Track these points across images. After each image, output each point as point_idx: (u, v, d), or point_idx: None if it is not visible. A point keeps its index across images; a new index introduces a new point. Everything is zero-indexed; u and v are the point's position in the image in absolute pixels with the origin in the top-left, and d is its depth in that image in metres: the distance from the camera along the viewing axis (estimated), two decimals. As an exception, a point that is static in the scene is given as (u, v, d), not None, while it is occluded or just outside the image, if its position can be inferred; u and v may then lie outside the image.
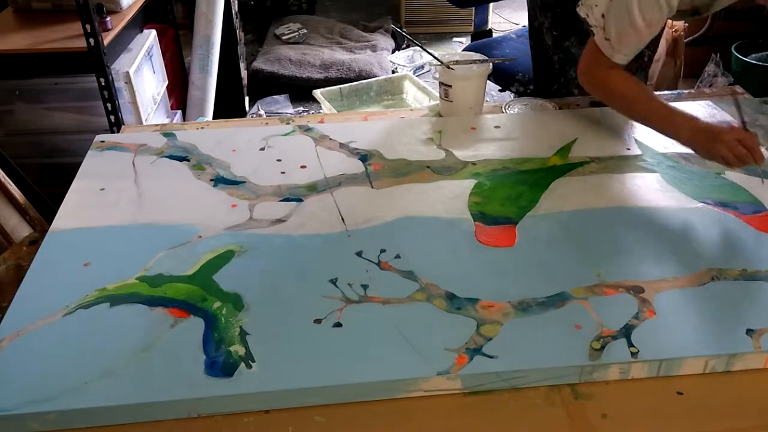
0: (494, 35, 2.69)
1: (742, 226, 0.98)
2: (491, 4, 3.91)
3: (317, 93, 2.60)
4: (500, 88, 2.21)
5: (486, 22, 3.67)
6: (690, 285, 0.86)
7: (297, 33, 3.54)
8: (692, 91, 1.47)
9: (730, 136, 1.00)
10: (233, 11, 2.74)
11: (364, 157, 1.16)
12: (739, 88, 1.45)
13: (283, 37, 3.52)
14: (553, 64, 1.49)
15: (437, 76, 1.32)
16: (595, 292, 0.85)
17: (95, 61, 1.83)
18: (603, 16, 1.08)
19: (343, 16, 4.06)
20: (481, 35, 3.05)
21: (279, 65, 3.21)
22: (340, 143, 1.21)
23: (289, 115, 2.93)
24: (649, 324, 0.80)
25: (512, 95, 2.05)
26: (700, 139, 1.04)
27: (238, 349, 0.77)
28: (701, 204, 1.02)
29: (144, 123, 2.06)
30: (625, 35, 1.08)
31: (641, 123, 1.15)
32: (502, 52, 2.03)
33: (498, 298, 0.84)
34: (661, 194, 1.05)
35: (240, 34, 2.86)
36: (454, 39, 3.87)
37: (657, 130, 1.12)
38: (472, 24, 3.91)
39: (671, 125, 1.08)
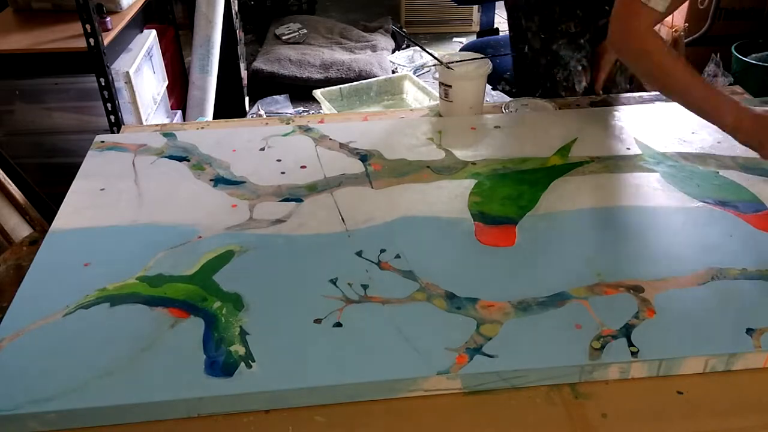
0: (501, 34, 2.69)
1: (742, 225, 0.98)
2: (497, 3, 3.90)
3: (317, 93, 2.60)
4: (490, 86, 2.21)
5: (493, 21, 3.68)
6: (690, 284, 0.86)
7: (297, 33, 3.55)
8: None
9: None
10: (233, 11, 2.74)
11: (364, 157, 1.16)
12: (738, 88, 1.45)
13: (283, 37, 3.52)
14: (538, 68, 1.48)
15: (437, 76, 1.32)
16: (595, 291, 0.85)
17: (95, 61, 1.83)
18: None
19: (343, 16, 4.06)
20: (488, 34, 3.05)
21: (279, 65, 3.21)
22: (340, 143, 1.21)
23: (289, 115, 2.93)
24: (649, 323, 0.80)
25: (498, 93, 2.05)
26: (752, 127, 0.98)
27: (238, 348, 0.77)
28: (701, 203, 1.02)
29: (144, 123, 2.06)
30: None
31: (676, 100, 1.06)
32: (497, 52, 2.04)
33: (498, 298, 0.84)
34: (661, 194, 1.05)
35: (240, 34, 2.87)
36: (454, 39, 3.87)
37: (695, 112, 1.04)
38: (472, 24, 3.92)
39: (714, 108, 1.01)
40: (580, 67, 1.44)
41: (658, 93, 1.44)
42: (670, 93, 1.07)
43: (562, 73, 1.42)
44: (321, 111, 2.62)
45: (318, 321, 0.81)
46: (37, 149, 2.09)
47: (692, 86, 1.03)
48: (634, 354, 0.76)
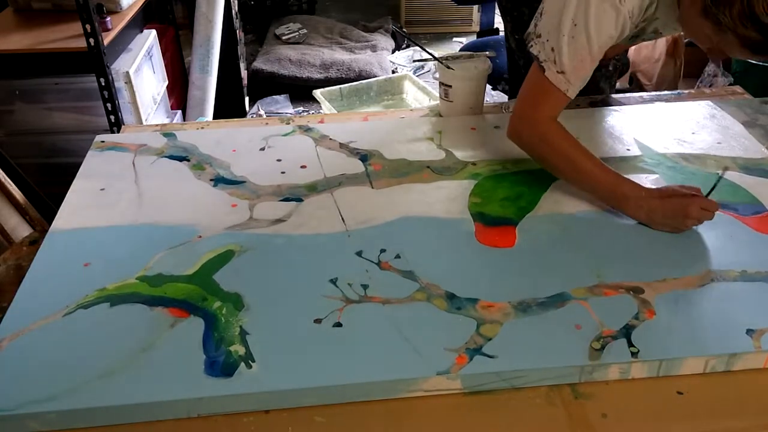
0: (501, 34, 2.69)
1: (741, 227, 0.98)
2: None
3: (317, 93, 2.60)
4: (490, 86, 2.21)
5: (493, 21, 3.68)
6: (690, 286, 0.86)
7: (297, 33, 3.55)
8: (692, 91, 1.47)
9: (696, 208, 0.94)
10: (233, 11, 2.74)
11: (364, 157, 1.16)
12: (738, 88, 1.45)
13: (283, 37, 3.52)
14: (519, 68, 1.48)
15: (437, 76, 1.32)
16: (595, 292, 0.85)
17: (95, 61, 1.83)
18: (553, 49, 0.98)
19: (343, 16, 4.06)
20: (488, 34, 3.05)
21: (279, 65, 3.21)
22: (340, 143, 1.21)
23: (289, 115, 2.93)
24: (649, 324, 0.80)
25: (498, 93, 2.06)
26: (663, 213, 0.96)
27: (238, 348, 0.77)
28: (701, 204, 1.02)
29: (144, 123, 2.06)
30: (580, 64, 0.98)
31: (580, 188, 1.04)
32: (497, 52, 2.04)
33: (498, 298, 0.84)
34: (661, 194, 1.05)
35: (240, 34, 2.87)
36: (454, 39, 3.87)
37: (600, 198, 1.02)
38: (472, 24, 3.91)
39: (620, 195, 0.99)
40: None
41: (658, 93, 1.45)
42: (574, 182, 1.04)
43: None
44: (321, 111, 2.62)
45: (318, 321, 0.81)
46: (37, 149, 2.08)
47: (596, 172, 1.00)
48: (634, 354, 0.76)
